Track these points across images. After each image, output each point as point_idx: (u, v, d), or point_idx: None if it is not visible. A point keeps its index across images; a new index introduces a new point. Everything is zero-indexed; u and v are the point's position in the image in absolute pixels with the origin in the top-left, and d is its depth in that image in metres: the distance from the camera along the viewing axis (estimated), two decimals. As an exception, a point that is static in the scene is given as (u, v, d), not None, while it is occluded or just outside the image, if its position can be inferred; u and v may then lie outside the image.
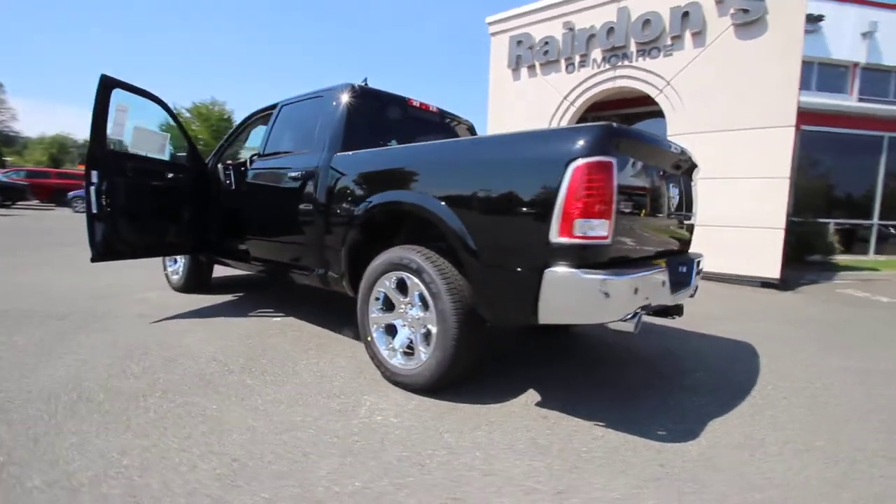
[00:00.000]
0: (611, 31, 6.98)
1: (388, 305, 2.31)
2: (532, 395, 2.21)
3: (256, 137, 4.10)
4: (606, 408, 2.10)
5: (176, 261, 4.25)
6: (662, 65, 6.60)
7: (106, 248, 3.03)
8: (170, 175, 3.48)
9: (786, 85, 5.68)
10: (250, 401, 2.02)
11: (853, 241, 9.69)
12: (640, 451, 1.73)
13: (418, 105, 3.21)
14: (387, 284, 2.24)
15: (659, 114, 7.00)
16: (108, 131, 2.97)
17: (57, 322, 3.08)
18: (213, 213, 3.80)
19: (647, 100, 7.07)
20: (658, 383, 2.46)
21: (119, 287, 4.29)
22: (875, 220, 9.88)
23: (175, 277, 4.23)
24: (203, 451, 1.60)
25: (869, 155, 9.86)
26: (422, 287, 2.06)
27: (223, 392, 2.10)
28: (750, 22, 5.83)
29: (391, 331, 2.31)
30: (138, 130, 3.23)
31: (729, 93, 6.04)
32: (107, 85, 2.89)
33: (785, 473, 1.64)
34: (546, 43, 7.70)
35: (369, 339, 2.32)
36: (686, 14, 6.28)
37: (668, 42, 6.52)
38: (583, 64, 7.42)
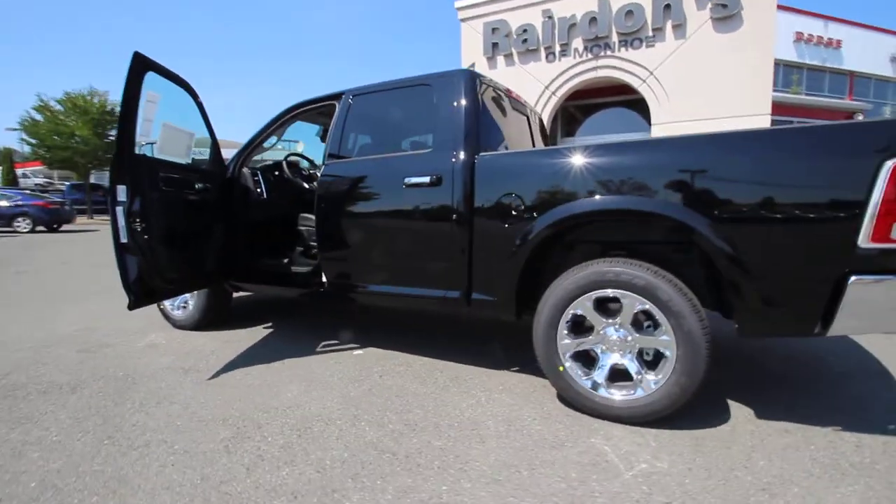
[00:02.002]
0: (592, 20, 7.14)
1: (578, 329, 2.02)
2: (739, 408, 2.08)
3: (297, 137, 3.46)
4: (809, 409, 2.04)
5: (176, 291, 3.43)
6: (645, 55, 6.92)
7: (145, 289, 2.29)
8: (199, 185, 2.76)
9: (761, 76, 6.27)
10: (472, 471, 1.62)
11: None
12: (920, 456, 1.69)
13: (514, 96, 2.90)
14: (587, 305, 1.95)
15: (638, 102, 7.35)
16: (138, 130, 2.23)
17: (72, 396, 2.28)
18: (242, 230, 3.12)
19: (625, 88, 7.38)
20: (814, 375, 2.49)
21: (97, 331, 3.36)
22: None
23: (180, 313, 3.41)
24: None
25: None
26: (648, 306, 1.82)
27: (426, 464, 1.66)
28: (727, 17, 6.32)
29: (581, 357, 2.04)
30: (167, 128, 2.48)
31: (708, 83, 6.51)
32: (141, 66, 2.15)
33: None
34: (524, 31, 7.65)
35: (561, 369, 2.02)
36: (668, 6, 6.62)
37: (650, 34, 6.84)
38: (564, 53, 7.50)
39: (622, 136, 8.04)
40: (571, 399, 2.03)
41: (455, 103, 2.33)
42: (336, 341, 3.11)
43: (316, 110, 3.02)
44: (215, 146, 2.93)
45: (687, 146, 1.80)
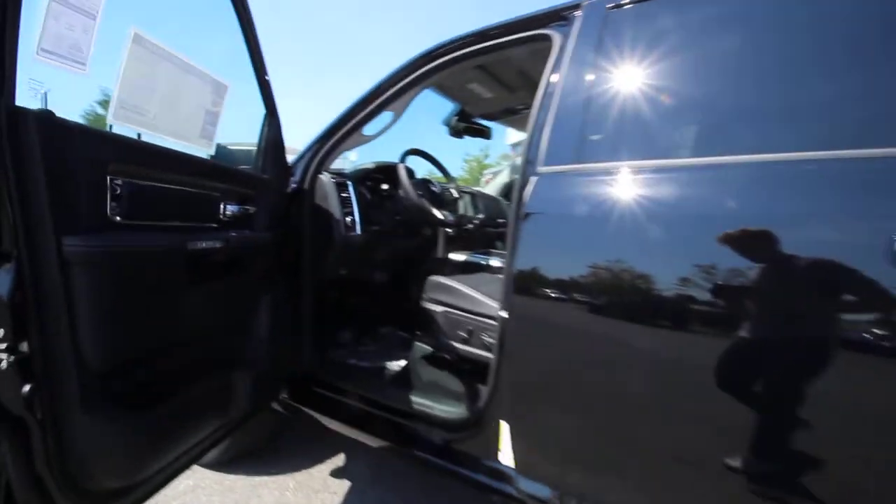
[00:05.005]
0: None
1: None
2: None
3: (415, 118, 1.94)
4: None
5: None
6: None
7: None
8: (229, 209, 1.22)
9: None
10: None
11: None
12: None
13: None
14: None
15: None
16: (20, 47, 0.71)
17: None
18: (316, 303, 1.57)
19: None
20: None
21: None
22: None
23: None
24: None
25: None
26: None
27: None
28: None
29: None
30: (144, 51, 0.97)
31: None
32: None
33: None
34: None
35: None
36: None
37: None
38: None
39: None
40: None
41: None
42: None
43: (480, 55, 1.44)
44: (274, 122, 1.40)
45: None
